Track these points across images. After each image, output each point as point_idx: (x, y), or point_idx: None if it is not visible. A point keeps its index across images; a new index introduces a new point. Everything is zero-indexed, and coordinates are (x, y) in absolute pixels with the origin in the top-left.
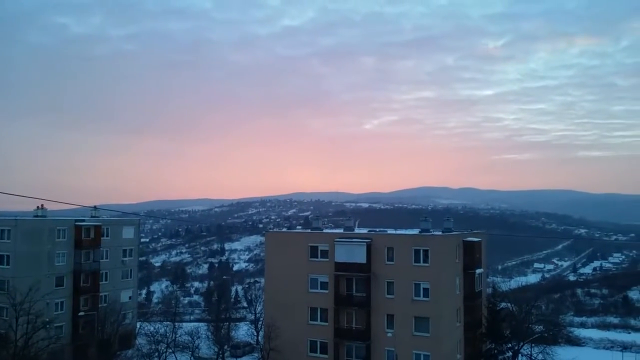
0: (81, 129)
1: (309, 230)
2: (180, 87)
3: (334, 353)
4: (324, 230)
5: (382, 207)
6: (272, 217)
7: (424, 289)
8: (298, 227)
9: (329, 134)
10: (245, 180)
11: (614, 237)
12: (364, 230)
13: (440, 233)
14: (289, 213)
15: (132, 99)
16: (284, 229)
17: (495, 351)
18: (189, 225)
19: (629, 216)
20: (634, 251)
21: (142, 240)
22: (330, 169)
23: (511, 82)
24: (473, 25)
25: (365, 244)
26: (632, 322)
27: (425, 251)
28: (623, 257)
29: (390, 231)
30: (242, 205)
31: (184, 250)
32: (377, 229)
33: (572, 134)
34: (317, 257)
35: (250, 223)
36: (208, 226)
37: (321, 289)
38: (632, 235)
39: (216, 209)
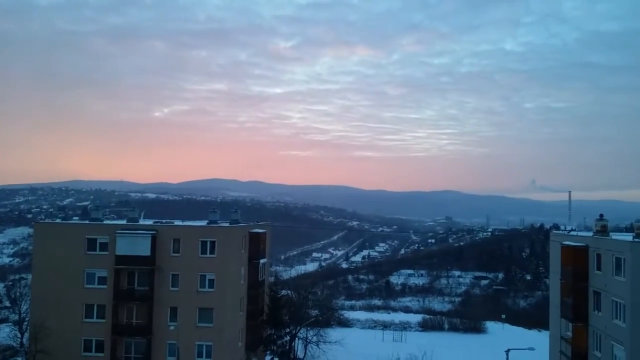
0: None
1: (87, 222)
2: None
3: (111, 351)
4: (105, 222)
5: (171, 198)
6: (44, 207)
7: (209, 280)
8: (75, 217)
9: (114, 118)
10: (11, 164)
11: (380, 229)
12: (150, 222)
13: (227, 224)
14: (65, 202)
15: None
16: (58, 220)
17: (275, 336)
18: None
19: (393, 210)
20: (396, 241)
21: None
22: (114, 156)
23: (299, 82)
24: (266, 24)
25: (150, 235)
26: (392, 303)
27: (213, 242)
28: (387, 246)
29: (178, 222)
30: (6, 193)
31: None
32: (164, 221)
33: (349, 134)
34: (95, 250)
35: (16, 213)
36: None
37: (99, 284)
38: (395, 227)
39: None
